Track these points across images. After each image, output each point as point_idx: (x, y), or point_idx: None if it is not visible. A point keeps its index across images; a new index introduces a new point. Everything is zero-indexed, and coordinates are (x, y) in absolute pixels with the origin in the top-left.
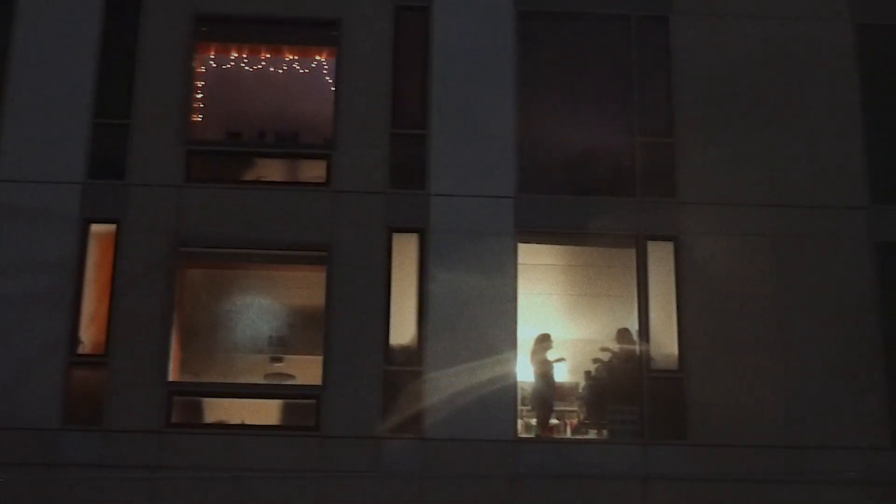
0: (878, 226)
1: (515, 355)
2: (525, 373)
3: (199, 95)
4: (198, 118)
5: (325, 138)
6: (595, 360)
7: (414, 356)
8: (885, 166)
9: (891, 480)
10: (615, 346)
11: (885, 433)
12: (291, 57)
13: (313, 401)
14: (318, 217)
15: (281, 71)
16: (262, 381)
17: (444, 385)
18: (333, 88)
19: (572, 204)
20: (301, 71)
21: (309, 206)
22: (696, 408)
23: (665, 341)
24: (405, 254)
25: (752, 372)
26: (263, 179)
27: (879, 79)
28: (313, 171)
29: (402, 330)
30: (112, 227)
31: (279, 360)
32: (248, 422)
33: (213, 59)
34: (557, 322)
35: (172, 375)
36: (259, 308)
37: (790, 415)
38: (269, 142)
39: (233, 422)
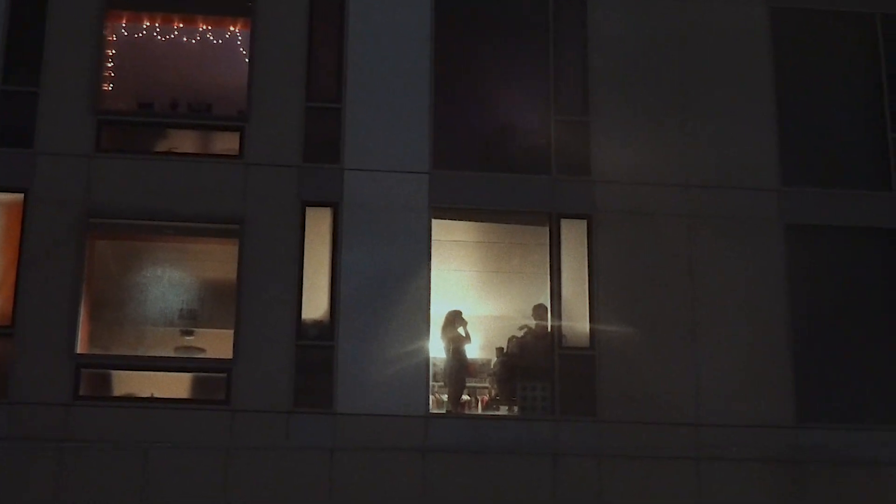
0: (788, 208)
1: (428, 331)
2: (437, 349)
3: (110, 64)
4: (108, 87)
5: (238, 110)
6: (511, 338)
7: (326, 331)
8: (796, 149)
9: (795, 458)
10: (531, 322)
11: (790, 411)
12: (205, 27)
13: (224, 374)
14: (230, 190)
15: (194, 41)
16: (173, 355)
17: (357, 360)
18: (247, 60)
19: (487, 180)
20: (215, 41)
21: (221, 179)
22: (607, 385)
23: (577, 319)
24: (318, 228)
25: (662, 350)
26: (175, 151)
27: (793, 62)
28: (226, 143)
29: (315, 304)
30: (19, 197)
31: (190, 333)
32: (157, 395)
33: (124, 28)
34: (470, 298)
35: (80, 347)
36: (170, 281)
37: (699, 393)
38: (181, 113)
39: (142, 395)
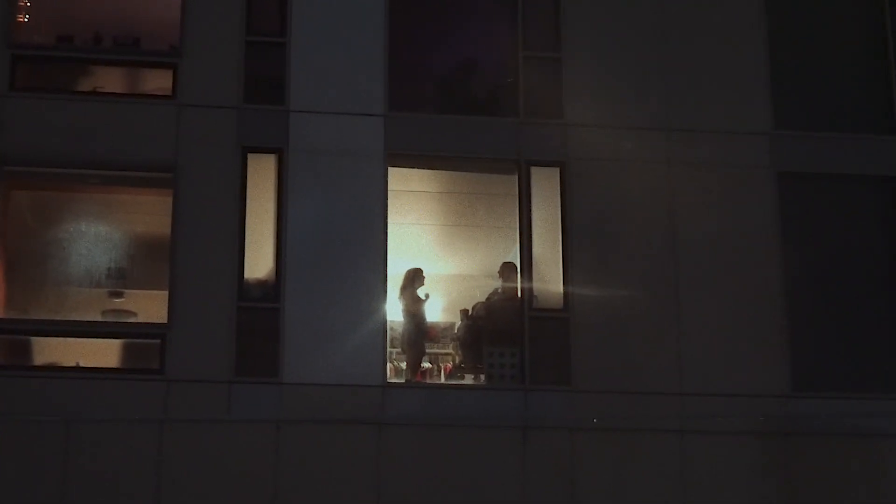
0: (781, 154)
1: (384, 292)
2: (395, 311)
3: None
4: (23, 19)
5: (170, 44)
6: (476, 303)
7: (271, 291)
8: (789, 89)
9: (790, 429)
10: (497, 282)
11: (784, 379)
12: None
13: (157, 340)
14: (162, 134)
15: None
16: (100, 319)
17: (305, 324)
18: None
19: (448, 124)
20: None
21: (152, 122)
22: (582, 350)
23: (549, 278)
24: (261, 177)
25: (643, 312)
26: (100, 90)
27: None
28: (157, 81)
29: (258, 262)
30: None
31: (119, 294)
32: (83, 364)
33: None
34: (431, 255)
35: None
36: (95, 236)
37: (684, 359)
38: (106, 47)
39: (66, 364)
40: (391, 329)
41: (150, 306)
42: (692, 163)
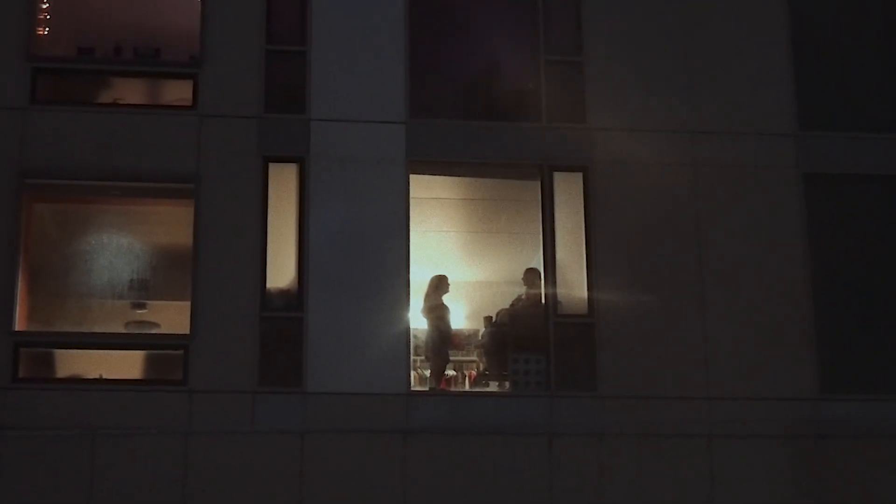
0: (807, 155)
1: (408, 299)
2: (418, 319)
3: (45, 5)
4: (44, 31)
5: (190, 55)
6: (500, 309)
7: (294, 301)
8: (815, 89)
9: (819, 433)
10: (521, 289)
11: (812, 382)
12: None
13: (180, 351)
14: (183, 145)
15: None
16: (122, 331)
17: (328, 333)
18: None
19: (470, 130)
20: None
21: (173, 133)
22: (608, 356)
23: (573, 283)
24: (283, 186)
25: (669, 316)
26: (120, 102)
27: None
28: (178, 92)
29: (281, 272)
30: None
31: (141, 306)
32: (106, 376)
33: None
34: (455, 262)
35: (19, 324)
36: (118, 248)
37: (711, 363)
38: (126, 59)
39: (89, 376)
40: (415, 337)
41: (172, 317)
42: (717, 165)
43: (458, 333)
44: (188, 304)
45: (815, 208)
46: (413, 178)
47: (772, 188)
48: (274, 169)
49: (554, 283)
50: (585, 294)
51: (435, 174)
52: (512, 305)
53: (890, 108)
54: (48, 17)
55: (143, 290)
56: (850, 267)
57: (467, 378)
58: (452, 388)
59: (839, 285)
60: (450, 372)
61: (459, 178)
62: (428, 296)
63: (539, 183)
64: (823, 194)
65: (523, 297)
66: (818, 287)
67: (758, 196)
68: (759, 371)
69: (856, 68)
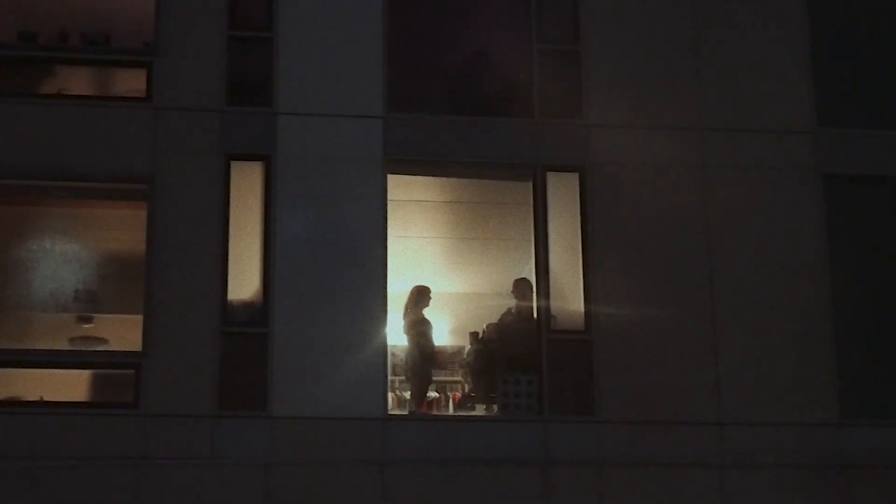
0: (827, 154)
1: (385, 313)
2: (397, 335)
3: None
4: None
5: (144, 41)
6: (488, 324)
7: (258, 314)
8: (835, 82)
9: (842, 462)
10: (511, 301)
11: (833, 406)
12: None
13: (131, 371)
14: (136, 141)
15: None
16: (67, 347)
17: (297, 350)
18: None
19: (455, 126)
20: None
21: (124, 127)
22: (607, 376)
23: (569, 295)
24: (246, 187)
25: (675, 333)
26: (66, 93)
27: None
28: (130, 82)
29: (244, 282)
30: None
31: (88, 320)
32: (48, 398)
33: None
34: (437, 272)
35: None
36: (62, 255)
37: (722, 385)
38: (73, 45)
39: (29, 398)
40: (393, 355)
41: (123, 332)
42: (728, 166)
43: (442, 351)
44: (140, 317)
45: (836, 213)
46: (391, 179)
47: (789, 191)
48: (237, 168)
49: (547, 295)
50: (582, 307)
51: (415, 174)
52: (500, 320)
53: None
54: None
55: (90, 302)
56: (876, 279)
57: (451, 400)
58: (435, 412)
59: (864, 299)
60: (432, 394)
61: (443, 179)
62: (408, 309)
63: (531, 184)
64: (846, 198)
65: (513, 310)
66: (840, 301)
67: (773, 200)
68: (776, 394)
69: (881, 59)
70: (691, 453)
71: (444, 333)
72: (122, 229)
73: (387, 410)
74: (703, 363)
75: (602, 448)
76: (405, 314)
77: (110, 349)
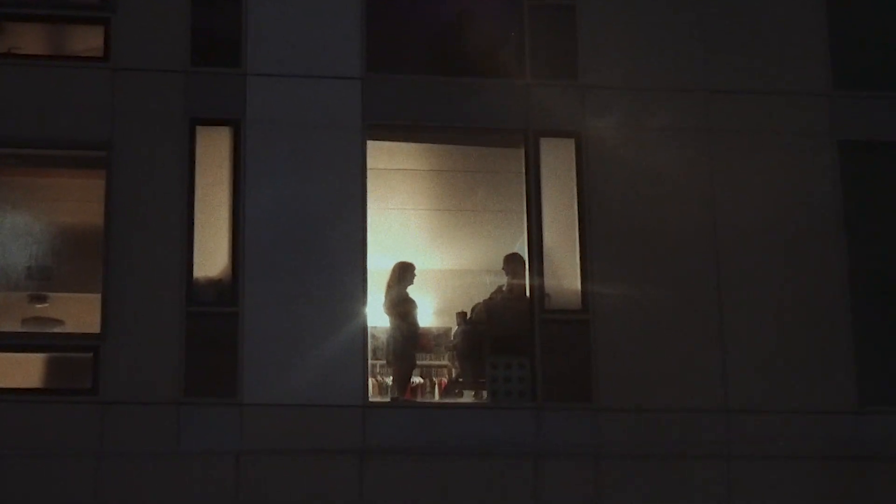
0: (843, 118)
1: (364, 291)
2: (378, 315)
3: None
4: None
5: None
6: (477, 304)
7: (227, 293)
8: (853, 41)
9: (858, 452)
10: (501, 279)
11: (851, 392)
12: None
13: (89, 354)
14: (93, 104)
15: None
16: (19, 329)
17: (269, 332)
18: None
19: (439, 88)
20: None
21: (80, 90)
22: (606, 360)
23: (564, 272)
24: (214, 154)
25: (679, 313)
26: (17, 52)
27: None
28: (86, 40)
29: (211, 258)
30: None
31: (42, 299)
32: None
33: None
34: (422, 247)
35: None
36: (13, 228)
37: (729, 368)
38: (24, 0)
39: None
40: (373, 337)
41: (80, 313)
42: (736, 130)
43: (426, 333)
44: (99, 297)
45: (853, 183)
46: (371, 146)
47: (801, 158)
48: (203, 133)
49: (541, 272)
50: (579, 285)
51: (397, 140)
52: (490, 299)
53: None
54: None
55: (44, 280)
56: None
57: (437, 386)
58: (419, 399)
59: (883, 276)
60: (416, 379)
61: (427, 146)
62: (390, 287)
63: (523, 151)
64: (863, 165)
65: (504, 288)
66: (857, 278)
67: (785, 168)
68: (788, 379)
69: None
70: (696, 443)
71: (430, 314)
72: (79, 200)
73: (367, 397)
74: (709, 345)
75: (599, 438)
76: (387, 293)
77: (66, 331)
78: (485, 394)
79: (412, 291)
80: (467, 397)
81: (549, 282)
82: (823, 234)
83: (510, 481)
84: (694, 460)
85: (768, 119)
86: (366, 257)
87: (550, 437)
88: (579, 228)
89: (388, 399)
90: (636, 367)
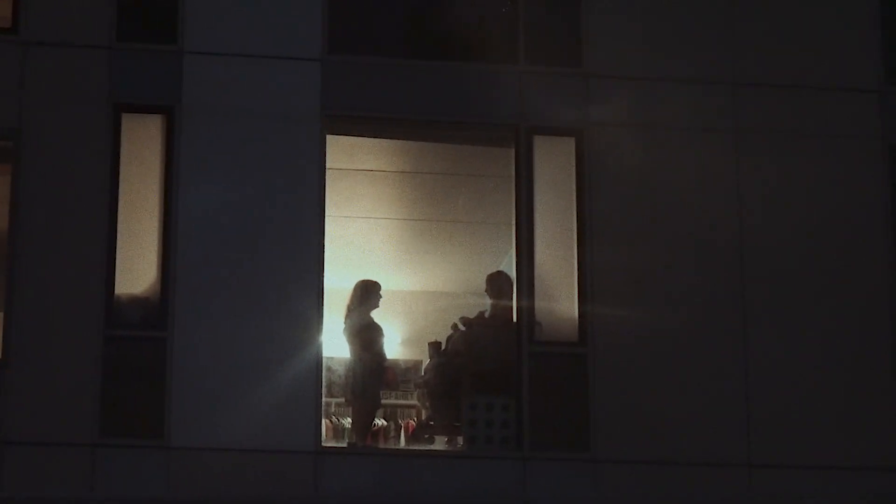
0: (895, 118)
1: (320, 315)
2: (336, 344)
3: None
4: None
5: None
6: (454, 329)
7: (154, 314)
8: None
9: None
10: (484, 302)
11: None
12: None
13: None
14: None
15: None
16: None
17: (203, 362)
18: None
19: (415, 73)
20: None
21: None
22: (606, 402)
23: (559, 295)
24: (142, 147)
25: (695, 347)
26: None
27: None
28: None
29: (136, 271)
30: None
31: None
32: None
33: None
34: (389, 263)
35: None
36: None
37: (753, 415)
38: None
39: None
40: (329, 369)
41: None
42: (768, 131)
43: (393, 366)
44: (0, 315)
45: None
46: (331, 141)
47: (845, 163)
48: (130, 122)
49: (531, 295)
50: (576, 312)
51: (363, 135)
52: (470, 326)
53: None
54: None
55: None
56: None
57: (403, 430)
58: (382, 445)
59: None
60: (379, 421)
61: (398, 143)
62: (350, 311)
63: (513, 151)
64: None
65: (486, 314)
66: None
67: (825, 174)
68: (822, 427)
69: None
70: (713, 502)
71: (397, 343)
72: None
73: (320, 442)
74: (730, 386)
75: (597, 495)
76: (347, 317)
77: None
78: (461, 440)
79: (377, 316)
80: (440, 444)
81: (541, 307)
82: (869, 254)
83: None
84: None
85: (806, 118)
86: (322, 274)
87: (539, 492)
88: (578, 244)
89: (345, 444)
90: (642, 412)
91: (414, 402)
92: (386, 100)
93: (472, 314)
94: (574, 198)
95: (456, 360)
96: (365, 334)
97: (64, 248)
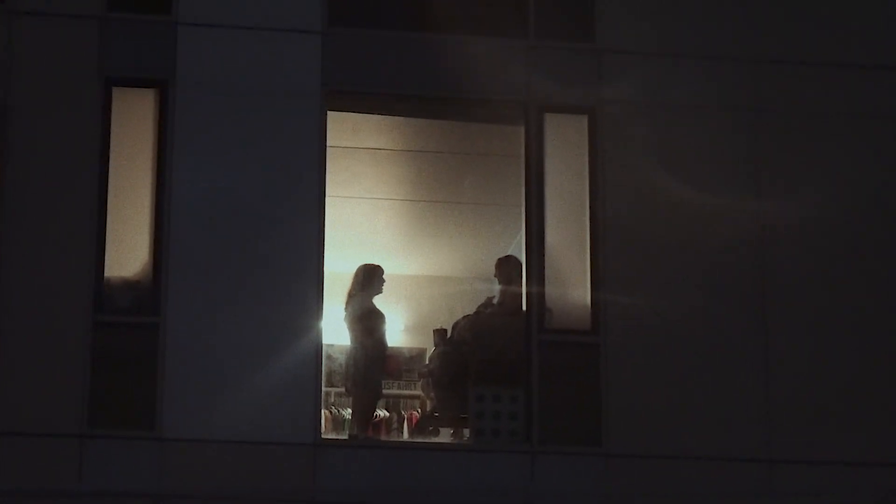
0: None
1: (319, 300)
2: (336, 331)
3: None
4: None
5: None
6: (460, 319)
7: (146, 299)
8: None
9: None
10: (492, 288)
11: None
12: None
13: None
14: None
15: None
16: None
17: (197, 349)
18: None
19: (418, 48)
20: None
21: None
22: (619, 393)
23: (571, 282)
24: (134, 123)
25: (712, 336)
26: None
27: None
28: None
29: (127, 254)
30: None
31: None
32: None
33: None
34: (393, 246)
35: None
36: None
37: (774, 407)
38: None
39: None
40: (329, 358)
41: None
42: (790, 111)
43: (396, 354)
44: None
45: None
46: (332, 118)
47: (876, 146)
48: (121, 96)
49: (541, 282)
50: (588, 299)
51: (365, 112)
52: (477, 313)
53: None
54: None
55: None
56: None
57: (407, 421)
58: (384, 437)
59: None
60: (381, 412)
61: (402, 120)
62: (352, 296)
63: (523, 129)
64: None
65: (494, 300)
66: None
67: (853, 159)
68: (845, 422)
69: None
70: (731, 497)
71: (400, 330)
72: None
73: (319, 434)
74: (750, 379)
75: (609, 490)
76: (348, 303)
77: None
78: (466, 432)
79: (379, 302)
80: (444, 436)
81: (552, 294)
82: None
83: None
84: None
85: (832, 97)
86: (322, 258)
87: (547, 487)
88: (591, 227)
89: (345, 436)
90: (657, 404)
91: (418, 392)
92: (390, 75)
93: (479, 300)
94: (586, 178)
95: (462, 348)
96: (367, 321)
97: (51, 229)
